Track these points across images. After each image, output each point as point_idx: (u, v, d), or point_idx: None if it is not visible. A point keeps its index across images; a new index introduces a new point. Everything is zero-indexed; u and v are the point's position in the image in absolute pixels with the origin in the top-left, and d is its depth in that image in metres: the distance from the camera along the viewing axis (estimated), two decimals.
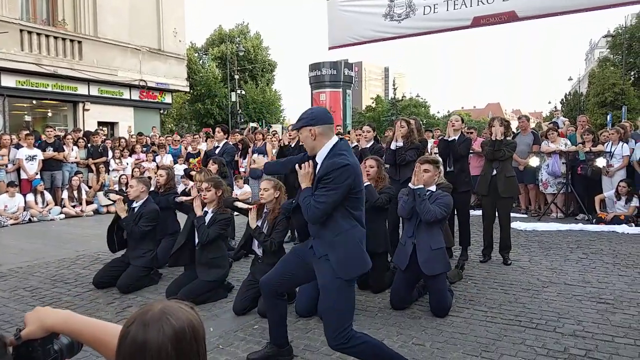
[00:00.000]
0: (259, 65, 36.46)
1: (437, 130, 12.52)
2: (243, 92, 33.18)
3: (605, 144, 8.09)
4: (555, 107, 40.60)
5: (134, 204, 4.86)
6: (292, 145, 6.84)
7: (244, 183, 9.68)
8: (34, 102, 15.25)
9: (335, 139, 2.64)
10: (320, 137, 2.60)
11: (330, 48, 11.33)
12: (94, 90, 15.70)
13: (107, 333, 1.09)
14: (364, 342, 2.56)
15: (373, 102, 49.38)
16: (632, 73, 34.74)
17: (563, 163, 8.39)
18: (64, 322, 1.05)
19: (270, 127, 27.50)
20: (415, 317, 3.78)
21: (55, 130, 10.84)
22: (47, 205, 9.14)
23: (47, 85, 14.42)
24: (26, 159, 9.27)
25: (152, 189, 5.42)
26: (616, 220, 7.34)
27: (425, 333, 3.45)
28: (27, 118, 15.26)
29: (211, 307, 4.10)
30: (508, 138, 5.37)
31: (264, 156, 9.07)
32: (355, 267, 2.59)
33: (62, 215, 9.22)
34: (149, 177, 5.69)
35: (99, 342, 1.09)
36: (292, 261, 2.89)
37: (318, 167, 2.62)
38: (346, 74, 21.13)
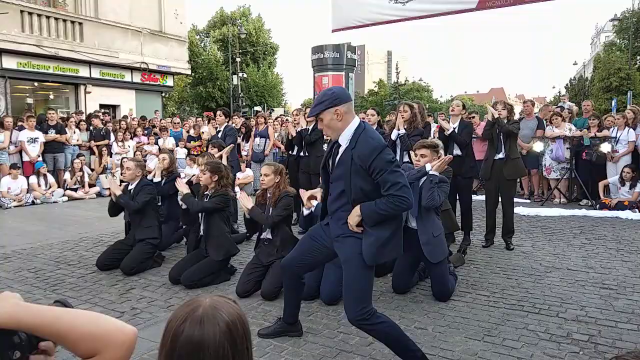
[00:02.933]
0: (261, 48, 36.13)
1: (440, 115, 12.43)
2: (245, 76, 32.93)
3: (611, 129, 8.02)
4: (559, 92, 40.26)
5: (130, 186, 4.91)
6: (310, 129, 6.49)
7: (246, 167, 9.66)
8: (36, 84, 15.16)
9: (357, 118, 2.56)
10: (346, 116, 2.49)
11: (333, 31, 11.18)
12: (96, 73, 15.59)
13: (63, 323, 0.84)
14: (384, 322, 2.58)
15: (375, 86, 48.98)
16: (638, 58, 34.28)
17: (567, 148, 8.33)
18: (10, 318, 0.81)
19: (272, 110, 27.39)
20: (418, 301, 3.79)
21: (57, 112, 10.79)
22: (50, 187, 9.15)
23: (49, 67, 14.31)
24: (28, 141, 9.24)
25: (150, 175, 5.46)
26: (620, 206, 7.31)
27: (428, 317, 3.46)
28: (29, 100, 15.20)
29: (214, 290, 4.12)
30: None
31: (265, 140, 9.04)
32: (392, 251, 2.59)
33: (65, 198, 9.23)
34: (145, 160, 5.71)
35: (57, 336, 0.84)
36: (310, 243, 2.86)
37: (342, 148, 2.52)
38: (349, 57, 20.89)
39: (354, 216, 2.50)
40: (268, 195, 4.16)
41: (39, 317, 0.85)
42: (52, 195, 9.03)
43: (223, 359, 0.92)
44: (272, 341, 3.10)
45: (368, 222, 2.48)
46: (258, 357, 2.89)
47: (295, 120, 7.15)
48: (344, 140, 2.51)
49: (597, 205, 7.64)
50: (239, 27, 31.91)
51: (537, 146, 8.37)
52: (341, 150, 2.54)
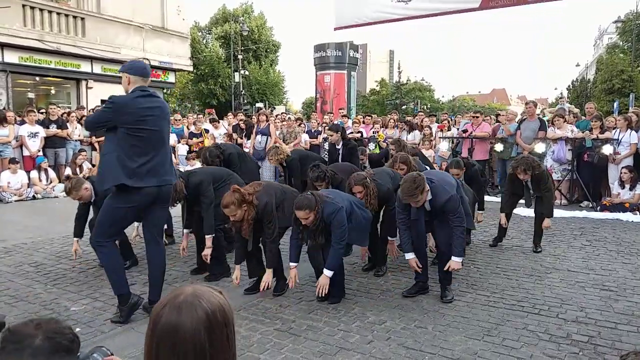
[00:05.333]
0: (263, 46, 36.11)
1: (443, 115, 12.43)
2: (246, 73, 32.93)
3: (613, 131, 8.01)
4: (561, 94, 40.23)
5: (93, 200, 4.58)
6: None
7: None
8: (37, 79, 15.16)
9: None
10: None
11: (335, 29, 11.16)
12: (97, 68, 15.58)
13: None
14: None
15: (377, 85, 48.96)
16: None
17: (569, 150, 8.33)
18: None
19: (274, 108, 27.37)
20: (418, 300, 3.79)
21: (58, 107, 10.79)
22: (51, 182, 9.15)
23: (50, 62, 14.30)
24: (28, 136, 9.24)
25: None
26: (621, 208, 7.31)
27: (428, 316, 3.47)
28: (30, 95, 15.20)
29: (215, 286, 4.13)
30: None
31: (267, 137, 9.03)
32: None
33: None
34: None
35: None
36: None
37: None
38: (351, 55, 20.80)
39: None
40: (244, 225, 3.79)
41: None
42: (53, 190, 9.03)
43: (199, 346, 0.93)
44: (272, 338, 3.11)
45: None
46: (258, 353, 2.90)
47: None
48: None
49: (598, 207, 7.64)
50: (241, 24, 31.89)
51: (539, 147, 8.36)
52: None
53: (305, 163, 5.27)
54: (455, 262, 3.71)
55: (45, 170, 9.14)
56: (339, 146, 6.58)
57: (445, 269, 3.75)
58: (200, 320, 0.94)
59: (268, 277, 3.77)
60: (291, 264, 3.73)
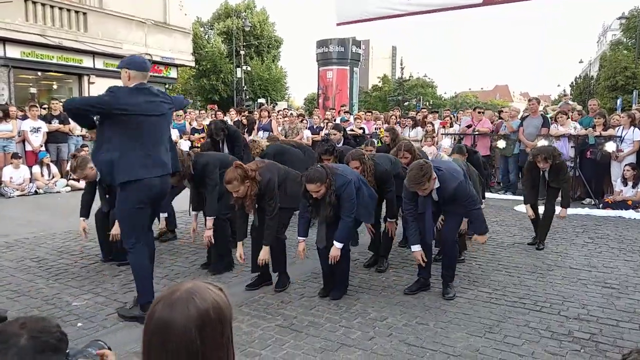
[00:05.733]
0: (265, 41, 36.02)
1: (445, 111, 12.40)
2: (248, 69, 32.87)
3: (617, 129, 7.98)
4: (564, 91, 40.03)
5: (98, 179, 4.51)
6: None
7: None
8: (39, 74, 15.15)
9: None
10: None
11: (338, 24, 11.11)
12: (99, 64, 15.56)
13: None
14: None
15: (380, 82, 48.81)
16: None
17: (572, 147, 8.30)
18: None
19: (276, 104, 27.33)
20: (419, 296, 3.79)
21: (60, 102, 10.79)
22: (53, 177, 9.17)
23: (52, 57, 14.28)
24: (30, 131, 9.25)
25: None
26: (623, 205, 7.29)
27: (429, 313, 3.46)
28: (32, 90, 15.20)
29: (216, 282, 4.13)
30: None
31: (269, 133, 9.03)
32: None
33: (68, 188, 9.25)
34: None
35: None
36: None
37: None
38: (354, 51, 20.75)
39: None
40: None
41: None
42: (55, 185, 9.05)
43: (190, 344, 0.92)
44: (274, 334, 3.11)
45: None
46: (259, 349, 2.90)
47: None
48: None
49: (601, 205, 7.62)
50: (243, 20, 31.81)
51: (542, 144, 8.32)
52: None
53: (282, 158, 5.21)
54: (481, 237, 3.89)
55: (48, 165, 9.15)
56: (339, 145, 6.60)
57: (473, 241, 3.93)
58: (191, 318, 0.93)
59: (265, 254, 3.76)
60: (300, 238, 3.78)
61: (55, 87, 16.23)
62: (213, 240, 4.24)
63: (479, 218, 3.85)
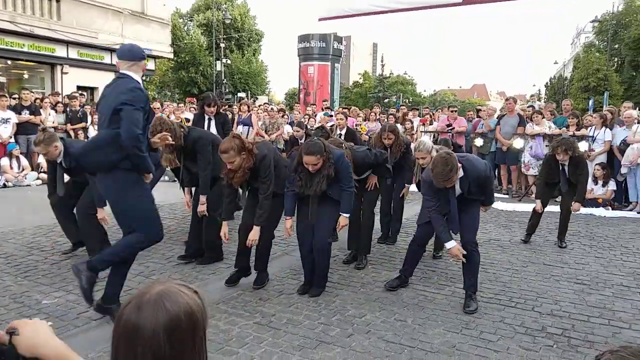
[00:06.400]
0: (246, 35, 35.63)
1: (425, 108, 12.51)
2: (228, 62, 32.48)
3: (589, 129, 8.19)
4: (539, 91, 40.88)
5: (59, 161, 4.42)
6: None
7: None
8: (9, 62, 14.62)
9: None
10: None
11: (320, 19, 11.05)
12: (73, 53, 15.11)
13: None
14: None
15: (360, 78, 48.95)
16: (616, 59, 35.09)
17: (546, 146, 8.47)
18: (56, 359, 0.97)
19: (257, 98, 27.10)
20: (398, 293, 3.81)
21: (32, 93, 10.44)
22: (23, 170, 8.87)
23: (23, 45, 13.79)
24: None
25: None
26: (594, 203, 7.49)
27: (407, 309, 3.49)
28: (2, 79, 14.66)
29: (193, 280, 4.07)
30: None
31: (249, 128, 8.93)
32: None
33: (39, 181, 8.96)
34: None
35: None
36: None
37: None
38: (335, 47, 20.72)
39: None
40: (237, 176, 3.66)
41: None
42: (25, 179, 8.76)
43: (158, 348, 0.89)
44: (252, 332, 3.08)
45: None
46: (237, 347, 2.87)
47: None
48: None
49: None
50: (223, 12, 31.36)
51: (517, 143, 8.50)
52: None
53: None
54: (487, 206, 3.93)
55: (17, 157, 8.85)
56: (302, 141, 6.86)
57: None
58: (159, 323, 0.89)
59: (255, 235, 3.63)
60: (287, 217, 3.73)
61: (26, 76, 15.69)
62: (207, 213, 4.26)
63: (493, 192, 3.86)
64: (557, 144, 4.99)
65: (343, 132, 7.01)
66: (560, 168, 5.07)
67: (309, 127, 7.48)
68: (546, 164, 5.29)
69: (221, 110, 6.59)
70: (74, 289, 3.75)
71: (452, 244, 3.52)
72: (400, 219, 5.42)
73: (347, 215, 3.71)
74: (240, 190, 4.18)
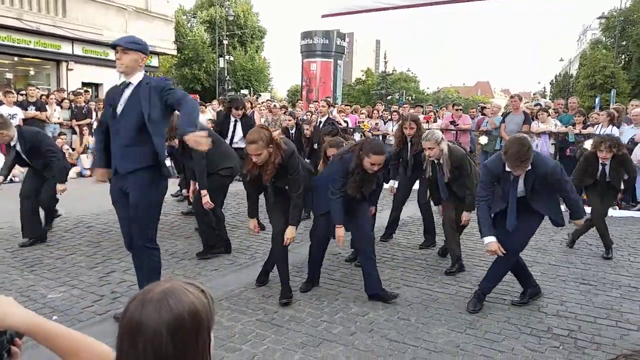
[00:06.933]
0: (249, 31, 35.59)
1: (428, 106, 12.45)
2: (231, 58, 32.46)
3: (595, 127, 8.12)
4: (544, 88, 40.58)
5: (13, 144, 4.62)
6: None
7: None
8: (16, 59, 14.68)
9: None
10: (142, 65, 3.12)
11: (323, 16, 11.01)
12: (78, 50, 15.14)
13: (79, 343, 1.04)
14: None
15: (363, 75, 48.83)
16: (623, 56, 34.81)
17: (552, 144, 8.42)
18: (26, 326, 0.96)
19: (259, 95, 27.08)
20: (401, 292, 3.79)
21: (37, 89, 10.46)
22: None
23: (30, 42, 13.83)
24: None
25: None
26: None
27: (411, 308, 3.47)
28: (8, 75, 14.71)
29: (196, 276, 4.06)
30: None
31: (252, 125, 8.91)
32: None
33: None
34: None
35: (68, 352, 1.02)
36: None
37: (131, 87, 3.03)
38: (338, 43, 20.68)
39: None
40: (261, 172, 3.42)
41: (59, 334, 1.01)
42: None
43: (160, 347, 0.88)
44: (255, 329, 3.07)
45: None
46: (240, 344, 2.86)
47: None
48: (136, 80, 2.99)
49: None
50: (226, 9, 31.33)
51: None
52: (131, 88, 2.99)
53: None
54: (578, 221, 3.62)
55: None
56: (292, 131, 7.19)
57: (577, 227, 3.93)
58: (162, 322, 0.88)
59: (291, 233, 3.47)
60: (338, 225, 3.53)
61: (32, 72, 15.75)
62: (211, 204, 4.33)
63: (578, 203, 3.55)
64: (600, 140, 4.52)
65: (323, 119, 7.56)
66: (600, 168, 4.47)
67: (314, 121, 7.56)
68: (584, 163, 4.65)
69: (247, 113, 6.71)
70: (79, 284, 3.77)
71: (492, 239, 3.32)
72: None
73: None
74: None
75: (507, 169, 3.25)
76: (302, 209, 3.59)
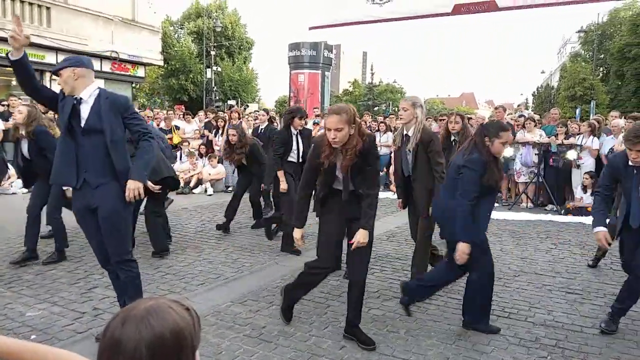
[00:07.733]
0: (236, 43, 35.65)
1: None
2: (219, 69, 32.46)
3: (577, 137, 8.27)
4: (526, 100, 41.30)
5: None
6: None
7: (218, 162, 9.48)
8: None
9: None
10: (84, 79, 3.11)
11: (310, 28, 11.11)
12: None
13: (47, 356, 1.04)
14: None
15: (350, 86, 49.21)
16: (601, 69, 35.70)
17: (535, 154, 8.54)
18: None
19: (247, 106, 27.05)
20: (390, 305, 3.76)
21: (19, 99, 10.28)
22: (9, 178, 8.71)
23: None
24: None
25: None
26: (583, 212, 7.54)
27: (400, 321, 3.45)
28: None
29: (181, 291, 3.99)
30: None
31: None
32: None
33: (25, 190, 8.81)
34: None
35: None
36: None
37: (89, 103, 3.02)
38: (325, 55, 20.85)
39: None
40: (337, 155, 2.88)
41: (25, 351, 1.02)
42: (12, 187, 8.61)
43: None
44: (242, 345, 3.01)
45: None
46: None
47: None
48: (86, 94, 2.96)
49: (562, 211, 7.86)
50: (214, 20, 31.39)
51: (508, 151, 8.52)
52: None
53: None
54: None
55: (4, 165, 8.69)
56: (263, 127, 7.82)
57: None
58: (142, 341, 0.86)
59: (363, 238, 2.91)
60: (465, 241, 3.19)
61: (14, 83, 15.48)
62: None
63: None
64: (628, 135, 3.46)
65: (263, 126, 8.00)
66: (635, 172, 3.29)
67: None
68: (610, 167, 3.51)
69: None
70: (59, 301, 3.67)
71: (602, 229, 3.28)
72: None
73: None
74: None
75: (630, 163, 3.17)
76: (375, 211, 2.98)
